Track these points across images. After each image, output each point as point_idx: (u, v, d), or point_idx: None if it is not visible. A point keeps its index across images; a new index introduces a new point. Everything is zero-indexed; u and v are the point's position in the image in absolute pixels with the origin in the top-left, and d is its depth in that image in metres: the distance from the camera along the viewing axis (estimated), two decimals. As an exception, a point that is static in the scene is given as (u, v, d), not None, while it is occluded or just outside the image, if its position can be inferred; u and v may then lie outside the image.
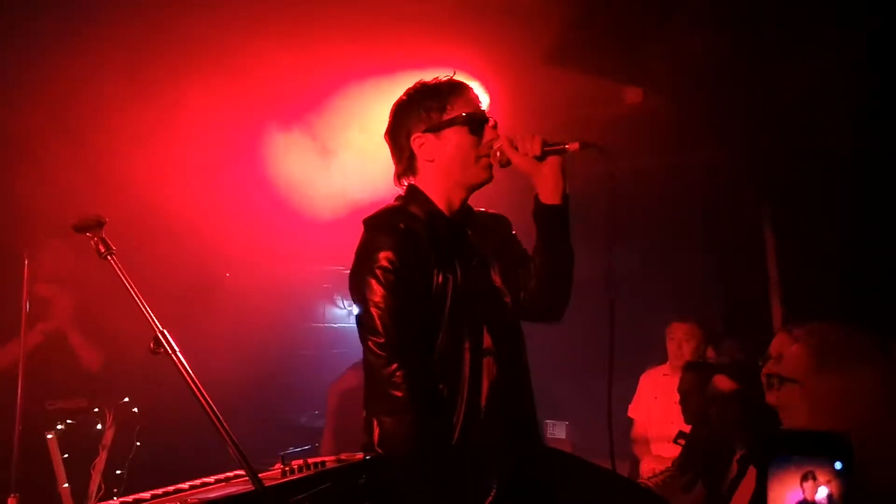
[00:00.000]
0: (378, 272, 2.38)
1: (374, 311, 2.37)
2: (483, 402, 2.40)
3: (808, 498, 2.24)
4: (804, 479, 2.27)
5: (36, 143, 4.59)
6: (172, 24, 4.26)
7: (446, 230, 2.52)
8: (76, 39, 4.17)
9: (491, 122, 2.57)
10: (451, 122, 2.51)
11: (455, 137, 2.52)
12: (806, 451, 2.35)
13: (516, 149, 2.49)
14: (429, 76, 2.67)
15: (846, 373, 2.58)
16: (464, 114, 2.51)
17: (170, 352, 2.06)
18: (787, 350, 2.76)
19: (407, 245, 2.41)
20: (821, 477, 2.27)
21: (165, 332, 2.07)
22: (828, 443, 2.38)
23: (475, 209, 2.69)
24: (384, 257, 2.38)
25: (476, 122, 2.53)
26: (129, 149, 4.72)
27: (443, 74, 2.62)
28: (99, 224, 2.17)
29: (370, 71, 4.71)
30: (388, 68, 4.56)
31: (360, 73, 4.80)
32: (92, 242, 2.16)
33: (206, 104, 4.77)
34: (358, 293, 2.44)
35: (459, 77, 2.63)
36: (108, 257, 2.15)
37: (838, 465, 2.28)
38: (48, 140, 4.57)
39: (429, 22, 4.37)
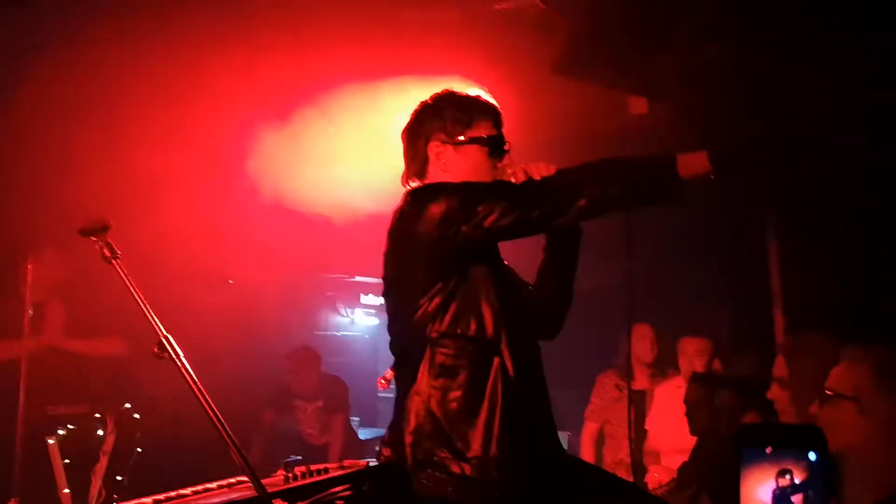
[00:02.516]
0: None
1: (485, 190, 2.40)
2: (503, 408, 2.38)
3: (782, 485, 2.21)
4: (779, 475, 2.23)
5: (40, 146, 4.60)
6: (183, 25, 4.26)
7: None
8: (75, 39, 4.17)
9: (507, 146, 2.56)
10: (474, 141, 2.51)
11: (475, 156, 2.51)
12: (779, 443, 2.31)
13: (531, 177, 2.49)
14: (437, 84, 2.66)
15: None
16: (488, 136, 2.51)
17: (173, 356, 2.05)
18: (841, 369, 2.70)
19: None
20: (796, 473, 2.24)
21: (170, 336, 2.06)
22: (801, 435, 2.34)
23: None
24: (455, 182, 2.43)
25: (499, 146, 2.54)
26: (133, 153, 4.73)
27: (475, 89, 2.61)
28: (104, 228, 2.16)
29: (378, 79, 4.71)
30: (396, 76, 4.56)
31: (368, 80, 4.80)
32: (97, 247, 2.14)
33: (211, 109, 4.77)
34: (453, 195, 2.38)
35: (482, 91, 2.62)
36: (113, 262, 2.14)
37: (812, 457, 2.25)
38: (53, 144, 4.58)
39: (436, 30, 4.37)
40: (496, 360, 2.35)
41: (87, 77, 4.38)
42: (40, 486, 4.12)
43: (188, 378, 2.02)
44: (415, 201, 2.43)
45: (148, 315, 2.07)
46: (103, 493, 4.22)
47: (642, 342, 5.47)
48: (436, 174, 2.54)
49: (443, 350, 2.36)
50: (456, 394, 2.33)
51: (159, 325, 2.07)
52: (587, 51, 4.46)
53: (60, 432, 4.28)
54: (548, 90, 4.71)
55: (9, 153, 4.50)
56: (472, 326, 2.36)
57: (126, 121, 4.67)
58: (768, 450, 2.25)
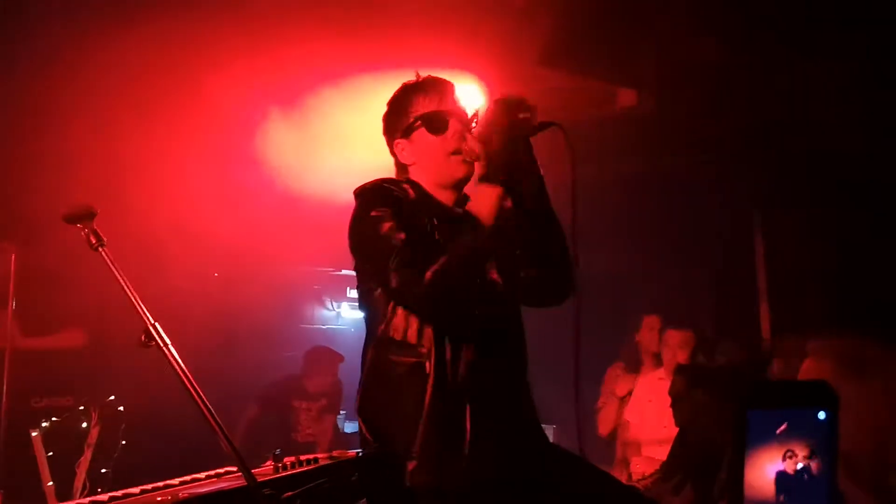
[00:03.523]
0: (371, 224, 2.38)
1: (384, 248, 2.34)
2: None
3: (789, 470, 2.13)
4: (784, 457, 2.14)
5: (27, 134, 4.56)
6: (174, 17, 4.23)
7: (441, 219, 2.47)
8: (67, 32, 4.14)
9: (459, 115, 2.48)
10: (412, 127, 2.50)
11: (422, 139, 2.50)
12: (786, 401, 2.21)
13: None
14: (422, 74, 2.65)
15: (873, 382, 2.51)
16: (421, 114, 2.48)
17: (161, 345, 2.02)
18: (807, 366, 2.66)
19: (401, 208, 2.40)
20: (800, 452, 2.14)
21: (157, 325, 2.03)
22: (809, 392, 2.25)
23: None
24: (376, 213, 2.38)
25: (433, 121, 2.48)
26: (119, 144, 4.69)
27: (415, 74, 2.57)
28: (90, 215, 2.13)
29: (361, 70, 4.69)
30: (381, 67, 4.53)
31: (351, 72, 4.78)
32: (83, 234, 2.12)
33: (197, 103, 4.74)
34: (359, 242, 2.44)
35: (438, 73, 2.57)
36: (100, 249, 2.11)
37: (822, 415, 2.14)
38: (37, 132, 4.53)
39: (423, 20, 4.36)
40: (427, 365, 2.34)
41: (76, 66, 4.34)
42: (24, 478, 4.08)
43: (176, 367, 1.99)
44: (356, 207, 2.47)
45: (135, 303, 2.05)
46: (88, 485, 4.19)
47: (651, 332, 5.46)
48: (410, 170, 2.55)
49: (379, 351, 2.41)
50: (385, 394, 2.38)
51: (146, 313, 2.04)
52: (575, 42, 4.46)
53: (44, 424, 4.24)
54: (535, 81, 4.71)
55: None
56: (401, 331, 2.38)
57: (109, 111, 4.63)
58: (780, 429, 2.15)
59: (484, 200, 2.35)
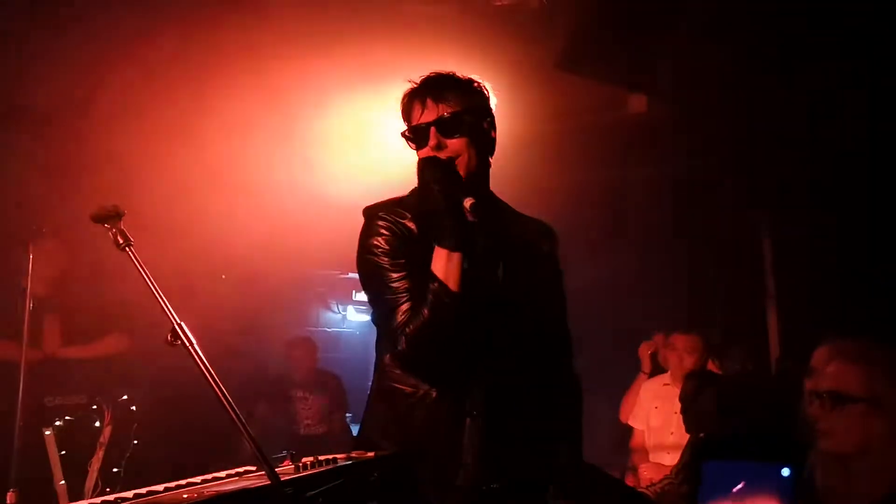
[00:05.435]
0: (371, 258, 2.45)
1: (380, 291, 2.43)
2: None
3: None
4: None
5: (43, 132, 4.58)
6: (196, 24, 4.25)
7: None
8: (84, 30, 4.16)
9: (433, 139, 2.43)
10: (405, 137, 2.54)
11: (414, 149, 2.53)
12: (747, 454, 2.08)
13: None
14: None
15: None
16: (406, 129, 2.51)
17: (186, 344, 2.03)
18: (835, 367, 2.57)
19: (396, 234, 2.45)
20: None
21: (183, 324, 2.05)
22: (773, 445, 2.12)
23: (521, 213, 2.64)
24: (375, 243, 2.45)
25: (412, 138, 2.50)
26: (129, 145, 4.72)
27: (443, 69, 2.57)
28: (118, 215, 2.15)
29: (375, 73, 4.70)
30: (393, 71, 4.53)
31: (365, 74, 4.79)
32: (110, 234, 2.14)
33: (207, 104, 4.76)
34: (363, 280, 2.52)
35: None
36: (127, 249, 2.13)
37: (786, 472, 2.02)
38: (54, 130, 4.56)
39: (436, 25, 4.38)
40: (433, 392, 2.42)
41: (93, 72, 4.37)
42: (37, 477, 4.09)
43: (201, 366, 2.00)
44: (362, 228, 2.52)
45: (161, 302, 2.06)
46: (100, 484, 4.20)
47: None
48: None
49: (378, 374, 2.54)
50: (391, 419, 2.50)
51: (172, 312, 2.06)
52: (588, 47, 4.48)
53: (57, 423, 4.25)
54: (547, 85, 4.73)
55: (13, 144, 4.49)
56: (385, 357, 2.49)
57: (119, 113, 4.66)
58: (737, 488, 2.04)
59: (440, 266, 2.35)
